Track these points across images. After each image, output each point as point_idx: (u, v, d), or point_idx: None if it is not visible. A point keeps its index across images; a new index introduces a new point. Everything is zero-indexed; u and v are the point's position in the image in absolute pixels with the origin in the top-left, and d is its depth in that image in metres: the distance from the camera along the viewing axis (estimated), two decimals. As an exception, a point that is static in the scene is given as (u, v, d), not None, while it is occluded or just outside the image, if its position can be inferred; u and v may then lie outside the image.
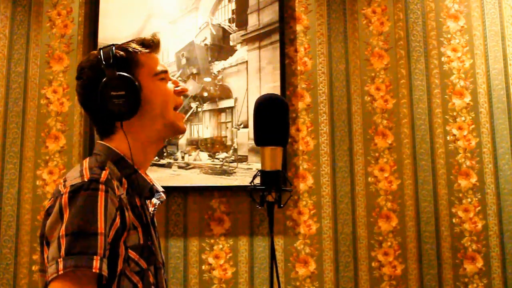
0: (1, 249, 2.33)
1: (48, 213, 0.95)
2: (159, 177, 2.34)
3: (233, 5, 2.50)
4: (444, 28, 2.49)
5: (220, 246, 2.36)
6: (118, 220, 0.95)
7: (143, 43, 1.11)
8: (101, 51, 1.05)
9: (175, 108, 1.12)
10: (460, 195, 2.37)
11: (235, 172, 2.38)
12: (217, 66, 2.46)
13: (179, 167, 2.39)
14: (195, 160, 2.40)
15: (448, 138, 2.41)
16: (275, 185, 1.09)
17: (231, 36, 2.48)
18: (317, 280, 2.33)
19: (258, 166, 2.33)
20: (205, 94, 2.44)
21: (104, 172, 0.98)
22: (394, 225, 2.36)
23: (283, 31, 2.45)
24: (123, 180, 1.04)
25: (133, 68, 1.07)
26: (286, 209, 2.36)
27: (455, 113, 2.43)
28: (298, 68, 2.47)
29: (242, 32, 2.47)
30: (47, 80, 2.46)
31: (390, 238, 2.35)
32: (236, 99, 2.43)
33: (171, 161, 2.40)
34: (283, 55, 2.42)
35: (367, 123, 2.44)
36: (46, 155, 2.41)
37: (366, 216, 2.37)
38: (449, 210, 2.36)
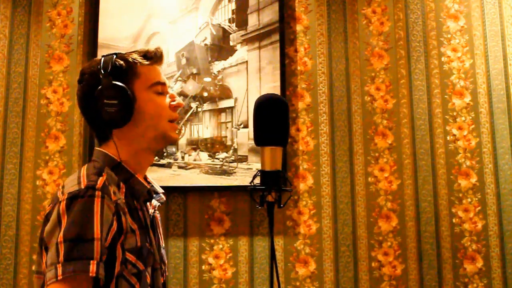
0: (1, 249, 2.33)
1: (47, 219, 0.98)
2: (159, 177, 2.34)
3: (233, 5, 2.50)
4: (444, 28, 2.49)
5: (220, 246, 2.36)
6: (115, 224, 0.98)
7: (145, 54, 1.13)
8: (103, 58, 1.09)
9: (170, 122, 1.14)
10: (460, 195, 2.37)
11: (235, 172, 2.38)
12: (217, 66, 2.46)
13: (179, 167, 2.39)
14: (195, 160, 2.40)
15: (448, 138, 2.41)
16: (275, 185, 1.09)
17: (231, 36, 2.48)
18: (317, 280, 2.33)
19: (258, 166, 2.33)
20: (205, 94, 2.44)
21: (101, 178, 1.01)
22: (394, 225, 2.36)
23: (283, 31, 2.45)
24: (121, 184, 1.06)
25: (130, 78, 1.09)
26: (286, 209, 2.36)
27: (455, 113, 2.43)
28: (298, 68, 2.47)
29: (242, 32, 2.47)
30: (47, 80, 2.46)
31: (390, 238, 2.35)
32: (236, 99, 2.43)
33: (171, 161, 2.40)
34: (283, 55, 2.42)
35: (367, 123, 2.44)
36: (46, 155, 2.41)
37: (366, 216, 2.37)
38: (449, 210, 2.36)
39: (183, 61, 2.47)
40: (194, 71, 2.46)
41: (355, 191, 2.39)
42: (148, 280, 1.05)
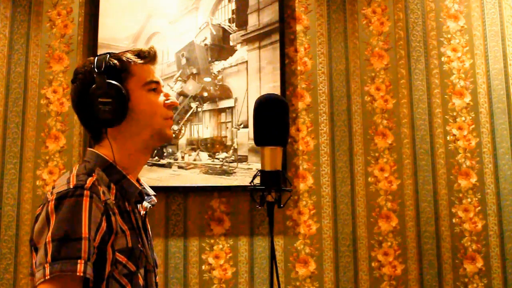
0: (1, 249, 2.33)
1: (36, 219, 0.98)
2: (159, 177, 2.34)
3: (233, 5, 2.50)
4: (444, 28, 2.49)
5: (220, 246, 2.36)
6: (104, 224, 0.97)
7: (138, 54, 1.13)
8: (96, 58, 1.09)
9: (165, 120, 1.14)
10: (460, 195, 2.37)
11: (235, 172, 2.38)
12: (217, 66, 2.46)
13: (179, 167, 2.39)
14: (195, 160, 2.40)
15: (448, 138, 2.41)
16: (275, 185, 1.09)
17: (231, 36, 2.48)
18: (317, 280, 2.33)
19: (258, 166, 2.33)
20: (205, 94, 2.44)
21: (90, 178, 1.00)
22: (394, 225, 2.36)
23: (283, 31, 2.45)
24: (112, 185, 1.06)
25: (124, 77, 1.09)
26: (286, 209, 2.36)
27: (455, 113, 2.43)
28: (298, 68, 2.47)
29: (242, 32, 2.47)
30: (47, 80, 2.46)
31: (390, 238, 2.35)
32: (236, 99, 2.43)
33: (171, 161, 2.40)
34: (283, 55, 2.42)
35: (367, 123, 2.44)
36: (46, 155, 2.41)
37: (366, 216, 2.37)
38: (449, 210, 2.36)
39: (183, 61, 2.47)
40: (194, 71, 2.46)
41: (355, 191, 2.39)
42: (141, 282, 1.04)
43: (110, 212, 1.00)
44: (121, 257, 1.00)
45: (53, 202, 0.96)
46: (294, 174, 2.39)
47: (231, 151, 2.40)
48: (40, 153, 2.41)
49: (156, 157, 2.39)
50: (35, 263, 0.94)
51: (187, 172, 2.39)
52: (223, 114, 2.43)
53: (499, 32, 2.47)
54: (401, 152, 2.41)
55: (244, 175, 2.36)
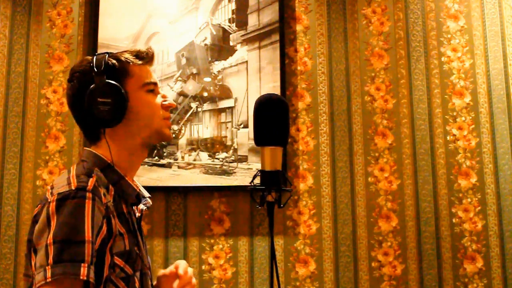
0: (1, 249, 2.33)
1: (35, 220, 0.97)
2: (159, 177, 2.34)
3: (233, 5, 2.50)
4: (444, 28, 2.49)
5: (220, 246, 2.36)
6: (104, 228, 0.96)
7: (137, 54, 1.12)
8: (94, 57, 1.08)
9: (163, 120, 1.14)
10: (460, 195, 2.37)
11: (235, 172, 2.38)
12: (217, 66, 2.46)
13: (179, 167, 2.39)
14: (195, 160, 2.40)
15: (448, 138, 2.41)
16: (275, 185, 1.09)
17: (231, 36, 2.48)
18: (317, 280, 2.33)
19: (258, 166, 2.33)
20: (205, 94, 2.44)
21: (91, 179, 0.99)
22: (394, 225, 2.36)
23: (283, 31, 2.45)
24: (110, 187, 1.05)
25: (122, 77, 1.08)
26: (286, 209, 2.36)
27: (455, 113, 2.43)
28: (298, 68, 2.47)
29: (242, 32, 2.47)
30: (47, 80, 2.46)
31: (390, 238, 2.35)
32: (236, 99, 2.43)
33: (171, 161, 2.40)
34: (283, 55, 2.42)
35: (367, 123, 2.44)
36: (46, 155, 2.41)
37: (366, 216, 2.37)
38: (449, 210, 2.36)
39: (183, 61, 2.47)
40: (194, 71, 2.46)
41: (355, 191, 2.39)
42: (137, 285, 1.03)
43: (111, 215, 0.99)
44: (119, 261, 0.99)
45: (54, 203, 0.94)
46: (294, 174, 2.39)
47: (231, 151, 2.40)
48: (40, 153, 2.41)
49: (156, 157, 2.39)
50: (35, 264, 0.93)
51: (187, 172, 2.39)
52: (223, 114, 2.43)
53: (499, 32, 2.47)
54: (401, 152, 2.41)
55: (244, 175, 2.36)
